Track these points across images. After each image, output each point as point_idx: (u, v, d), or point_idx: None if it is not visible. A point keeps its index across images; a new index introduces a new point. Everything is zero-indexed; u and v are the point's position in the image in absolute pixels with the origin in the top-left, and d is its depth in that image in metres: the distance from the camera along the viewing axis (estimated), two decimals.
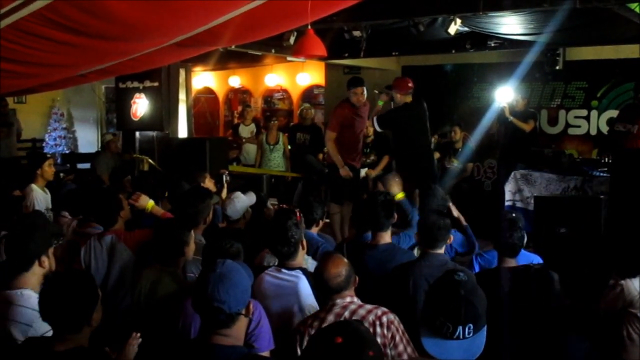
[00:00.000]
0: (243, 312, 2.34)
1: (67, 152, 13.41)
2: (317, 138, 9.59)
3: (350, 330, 1.78)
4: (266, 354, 3.05)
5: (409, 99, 7.17)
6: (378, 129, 7.36)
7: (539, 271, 3.56)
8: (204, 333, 2.36)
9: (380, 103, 7.38)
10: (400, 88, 7.18)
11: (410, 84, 7.20)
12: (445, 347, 2.17)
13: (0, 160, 9.99)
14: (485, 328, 2.24)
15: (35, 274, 2.83)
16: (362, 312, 3.09)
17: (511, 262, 3.93)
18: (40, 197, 5.85)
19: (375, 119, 7.23)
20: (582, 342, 2.96)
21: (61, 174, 6.67)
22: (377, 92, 7.61)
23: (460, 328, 2.14)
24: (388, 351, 2.99)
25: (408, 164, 7.11)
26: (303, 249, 3.73)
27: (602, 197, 6.31)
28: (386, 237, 4.27)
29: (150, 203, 4.75)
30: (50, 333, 2.57)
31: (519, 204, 7.45)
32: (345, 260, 3.26)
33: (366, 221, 4.45)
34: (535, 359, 2.90)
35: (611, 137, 8.07)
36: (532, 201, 6.96)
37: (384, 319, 3.05)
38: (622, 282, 3.79)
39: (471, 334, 2.16)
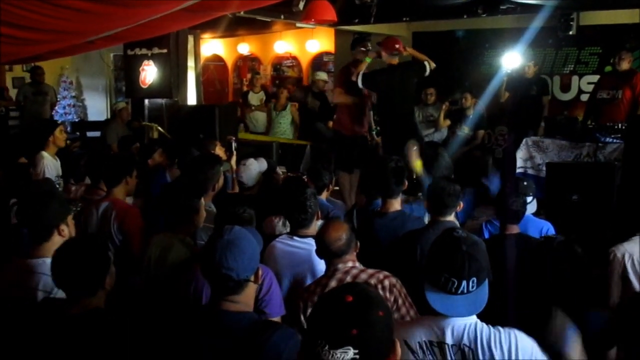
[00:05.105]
0: (252, 279, 2.33)
1: (76, 120, 13.42)
2: (327, 105, 9.54)
3: (360, 290, 1.77)
4: (277, 319, 3.06)
5: (394, 61, 6.98)
6: (360, 85, 7.16)
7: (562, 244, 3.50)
8: (213, 300, 2.35)
9: (368, 60, 7.05)
10: (386, 47, 6.99)
11: (397, 46, 6.98)
12: (450, 302, 2.23)
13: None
14: (487, 282, 2.29)
15: (56, 243, 2.82)
16: (364, 276, 3.10)
17: (514, 229, 3.90)
18: (50, 165, 5.86)
19: (360, 75, 7.05)
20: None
21: (68, 141, 6.67)
22: (363, 49, 7.33)
23: (464, 282, 2.22)
24: None
25: (388, 129, 7.03)
26: (317, 219, 3.75)
27: (615, 163, 6.25)
28: (396, 205, 4.23)
29: None
30: None
31: (530, 171, 7.40)
32: (346, 224, 3.26)
33: (376, 188, 4.42)
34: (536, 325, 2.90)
35: (594, 105, 8.03)
36: (544, 168, 6.90)
37: (386, 282, 3.06)
38: (613, 248, 3.78)
39: (474, 288, 2.23)
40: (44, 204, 2.87)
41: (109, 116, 12.94)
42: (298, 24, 10.03)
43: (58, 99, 13.41)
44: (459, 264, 2.22)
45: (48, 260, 2.77)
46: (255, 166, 4.96)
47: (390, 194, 4.21)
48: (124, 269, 3.65)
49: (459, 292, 2.22)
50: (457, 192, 3.89)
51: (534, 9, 8.31)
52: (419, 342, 2.24)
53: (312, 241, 3.54)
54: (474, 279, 2.22)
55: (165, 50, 9.30)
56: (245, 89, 13.12)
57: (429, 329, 2.26)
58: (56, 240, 2.85)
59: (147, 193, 4.88)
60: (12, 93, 11.31)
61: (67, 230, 2.89)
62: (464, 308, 2.23)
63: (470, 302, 2.23)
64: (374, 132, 8.22)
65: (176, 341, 2.29)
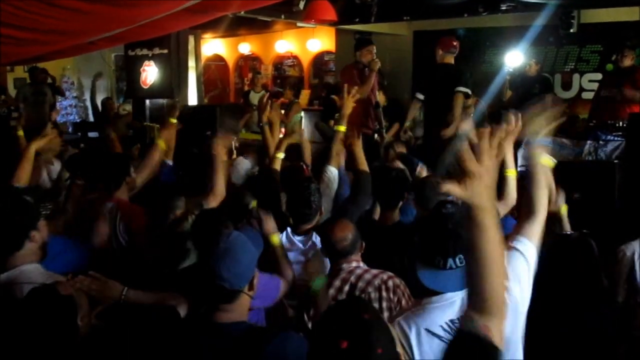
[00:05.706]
0: (246, 289, 2.26)
1: (78, 120, 13.43)
2: (330, 105, 9.52)
3: (355, 329, 1.62)
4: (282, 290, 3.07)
5: (448, 59, 7.06)
6: (421, 96, 7.20)
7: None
8: (206, 310, 2.30)
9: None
10: (442, 45, 7.10)
11: (454, 43, 7.09)
12: (439, 279, 2.27)
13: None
14: None
15: (28, 250, 2.76)
16: (368, 276, 3.10)
17: None
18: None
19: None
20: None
21: (81, 145, 6.61)
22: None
23: (450, 260, 2.25)
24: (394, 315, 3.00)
25: (431, 129, 7.06)
26: (321, 214, 3.76)
27: (616, 161, 6.24)
28: (395, 216, 4.10)
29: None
30: None
31: None
32: (352, 224, 3.27)
33: (376, 197, 4.28)
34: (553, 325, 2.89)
35: (597, 104, 8.02)
36: None
37: (390, 283, 3.07)
38: (623, 247, 3.77)
39: (462, 264, 2.23)
40: (11, 213, 2.79)
41: None
42: (299, 24, 10.03)
43: (59, 99, 13.42)
44: (444, 242, 2.26)
45: (25, 268, 2.75)
46: (243, 165, 4.94)
47: (390, 206, 4.08)
48: (130, 269, 3.65)
49: (447, 268, 2.25)
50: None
51: (534, 7, 8.31)
52: (441, 326, 2.24)
53: (313, 237, 3.59)
54: (461, 256, 2.23)
55: (166, 51, 9.31)
56: (246, 88, 13.12)
57: (443, 309, 2.27)
58: (28, 247, 2.79)
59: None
60: (14, 94, 11.31)
61: (39, 235, 2.83)
62: (452, 283, 2.26)
63: (458, 277, 2.23)
64: (383, 131, 8.24)
65: (176, 340, 2.27)
